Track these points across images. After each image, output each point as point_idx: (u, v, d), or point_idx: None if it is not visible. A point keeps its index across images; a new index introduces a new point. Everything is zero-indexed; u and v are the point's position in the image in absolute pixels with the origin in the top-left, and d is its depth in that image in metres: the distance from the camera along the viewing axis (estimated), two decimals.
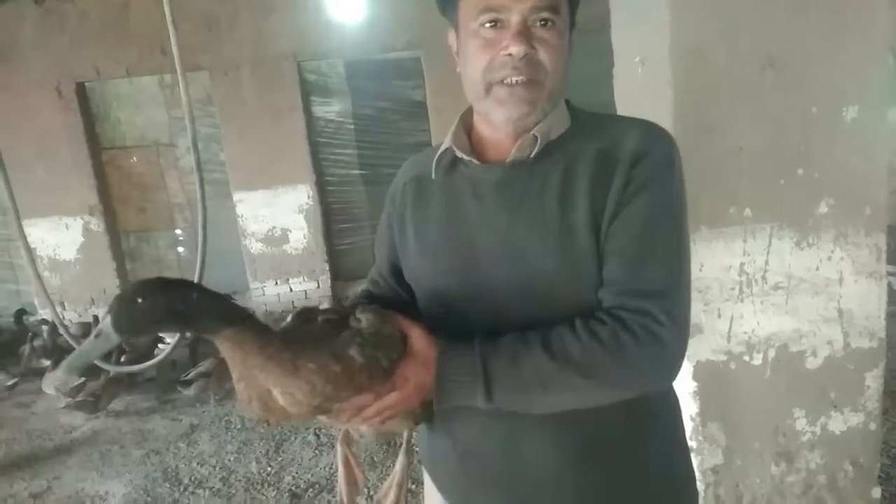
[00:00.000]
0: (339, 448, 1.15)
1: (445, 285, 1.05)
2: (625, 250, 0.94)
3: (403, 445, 1.10)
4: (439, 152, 1.08)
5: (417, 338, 0.96)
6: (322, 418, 0.95)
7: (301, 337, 0.90)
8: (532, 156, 1.00)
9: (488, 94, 0.99)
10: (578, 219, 0.95)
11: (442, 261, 1.06)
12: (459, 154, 1.05)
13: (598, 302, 0.97)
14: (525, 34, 0.93)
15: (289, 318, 0.98)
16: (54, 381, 4.41)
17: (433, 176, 1.10)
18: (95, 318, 6.24)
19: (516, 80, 0.95)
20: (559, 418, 0.97)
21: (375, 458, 3.48)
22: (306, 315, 0.99)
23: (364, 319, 0.96)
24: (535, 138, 0.99)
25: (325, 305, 1.10)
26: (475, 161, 1.04)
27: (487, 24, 0.95)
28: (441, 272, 1.06)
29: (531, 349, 0.92)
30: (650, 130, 1.00)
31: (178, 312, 0.79)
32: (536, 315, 0.98)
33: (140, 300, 0.77)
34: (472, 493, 1.10)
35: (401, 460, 1.10)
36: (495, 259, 1.00)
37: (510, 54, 0.94)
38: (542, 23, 0.94)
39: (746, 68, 1.48)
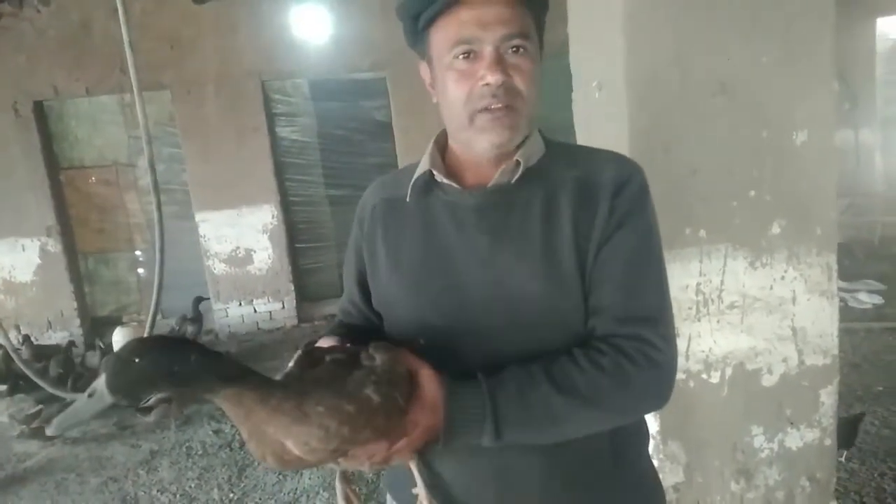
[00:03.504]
0: (338, 486, 1.12)
1: (425, 315, 1.03)
2: (616, 277, 0.96)
3: (418, 477, 1.06)
4: (417, 174, 1.06)
5: (426, 379, 0.93)
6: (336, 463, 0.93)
7: (307, 382, 0.86)
8: (514, 181, 1.00)
9: (471, 124, 0.99)
10: (561, 242, 0.96)
11: (422, 288, 1.04)
12: (439, 178, 1.04)
13: (588, 328, 0.98)
14: (499, 63, 0.94)
15: (292, 362, 0.93)
16: (19, 415, 4.25)
17: (408, 198, 1.07)
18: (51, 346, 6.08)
19: (497, 107, 0.95)
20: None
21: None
22: (311, 357, 0.94)
23: (378, 358, 0.93)
24: (518, 163, 0.99)
25: (327, 342, 1.07)
26: (454, 185, 1.03)
27: (461, 56, 0.95)
28: (421, 300, 1.04)
29: (537, 385, 0.92)
30: (623, 161, 1.03)
31: (175, 374, 0.75)
32: (523, 341, 0.98)
33: (137, 360, 0.74)
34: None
35: (422, 493, 1.07)
36: (478, 285, 0.99)
37: (488, 84, 0.94)
38: (514, 49, 0.94)
39: (699, 94, 1.52)
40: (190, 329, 5.71)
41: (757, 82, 1.53)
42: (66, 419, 0.78)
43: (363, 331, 1.17)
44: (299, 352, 0.95)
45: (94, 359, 5.05)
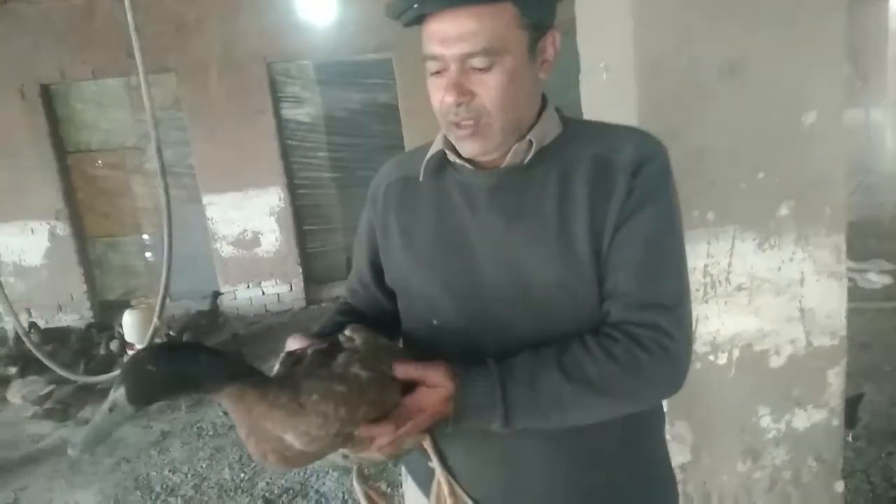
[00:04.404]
0: (357, 487, 1.13)
1: (438, 295, 1.03)
2: (632, 262, 0.94)
3: (433, 456, 1.07)
4: (429, 154, 1.06)
5: (434, 373, 0.93)
6: (338, 456, 0.94)
7: (297, 376, 0.88)
8: (526, 161, 0.99)
9: (448, 132, 0.99)
10: (577, 224, 0.95)
11: (435, 270, 1.04)
12: (452, 158, 1.03)
13: (602, 313, 0.97)
14: (457, 84, 0.92)
15: (277, 366, 0.94)
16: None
17: (421, 178, 1.07)
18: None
19: (463, 124, 0.95)
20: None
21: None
22: (294, 356, 0.95)
23: (357, 337, 0.95)
24: (530, 143, 0.98)
25: (302, 342, 1.09)
26: (467, 166, 1.02)
27: (434, 71, 0.95)
28: (433, 281, 1.04)
29: (548, 373, 0.92)
30: (645, 139, 1.00)
31: (189, 376, 0.77)
32: (536, 323, 0.98)
33: (152, 368, 0.75)
34: (469, 490, 1.09)
35: (438, 471, 1.07)
36: (491, 267, 0.99)
37: (448, 102, 0.94)
38: (480, 67, 0.91)
39: (707, 75, 1.51)
40: (203, 323, 5.74)
41: (766, 63, 1.52)
42: (90, 437, 0.77)
43: (370, 313, 1.18)
44: (283, 354, 0.96)
45: (114, 345, 5.09)
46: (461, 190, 1.03)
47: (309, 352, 0.94)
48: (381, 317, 1.17)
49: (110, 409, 0.74)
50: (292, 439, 0.83)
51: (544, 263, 0.96)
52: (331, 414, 0.83)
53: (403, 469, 1.22)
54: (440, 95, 0.95)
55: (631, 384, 0.94)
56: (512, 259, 0.98)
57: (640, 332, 0.93)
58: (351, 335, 0.96)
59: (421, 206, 1.07)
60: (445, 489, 1.07)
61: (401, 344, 1.15)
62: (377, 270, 1.17)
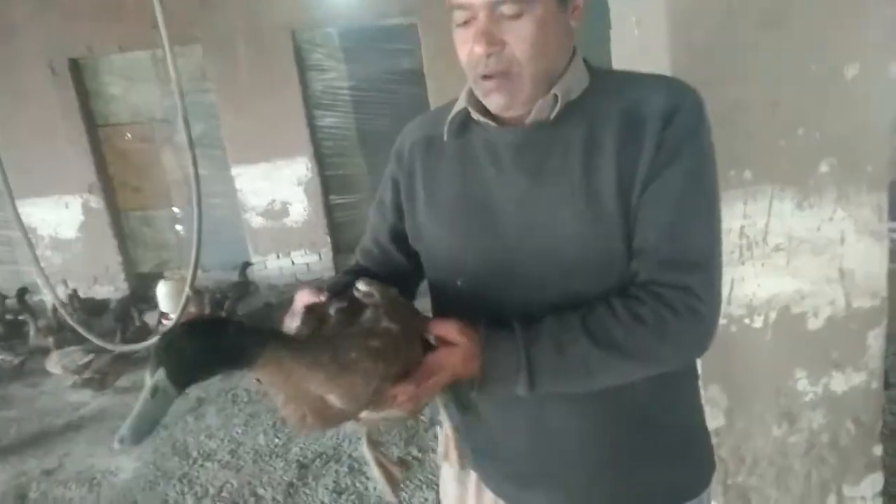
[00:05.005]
0: (367, 453, 1.14)
1: (462, 255, 1.02)
2: (662, 220, 0.91)
3: (441, 410, 1.08)
4: (453, 112, 1.03)
5: (457, 333, 0.92)
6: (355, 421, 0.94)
7: (330, 335, 0.87)
8: (552, 117, 0.95)
9: (476, 85, 0.96)
10: (604, 181, 0.92)
11: (458, 229, 1.02)
12: (475, 115, 1.00)
13: (630, 271, 0.94)
14: (487, 33, 0.88)
15: (298, 323, 0.92)
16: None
17: (445, 137, 1.05)
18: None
19: (491, 76, 0.92)
20: None
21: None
22: (315, 314, 0.93)
23: (374, 291, 0.94)
24: (556, 98, 0.94)
25: (313, 296, 1.08)
26: (491, 123, 0.99)
27: (461, 22, 0.91)
28: (456, 242, 1.03)
29: (574, 336, 0.90)
30: (675, 86, 0.96)
31: (223, 350, 0.75)
32: (562, 283, 0.96)
33: (188, 347, 0.73)
34: (495, 456, 1.10)
35: (446, 425, 1.09)
36: (516, 226, 0.97)
37: (477, 53, 0.90)
38: (510, 15, 0.88)
39: (743, 26, 1.44)
40: (231, 295, 5.81)
41: (805, 11, 1.45)
42: (138, 427, 0.70)
43: (382, 274, 1.15)
44: (301, 312, 0.94)
45: (150, 316, 5.19)
46: (485, 148, 1.01)
47: (332, 310, 0.93)
48: (392, 278, 1.15)
49: (153, 395, 0.70)
50: (335, 399, 0.83)
51: (569, 222, 0.94)
52: (371, 370, 0.83)
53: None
54: (468, 47, 0.92)
55: (658, 346, 0.91)
56: (536, 218, 0.96)
57: (667, 292, 0.90)
58: (367, 289, 0.95)
59: (445, 167, 1.05)
60: (452, 443, 1.09)
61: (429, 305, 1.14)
62: (396, 230, 1.15)
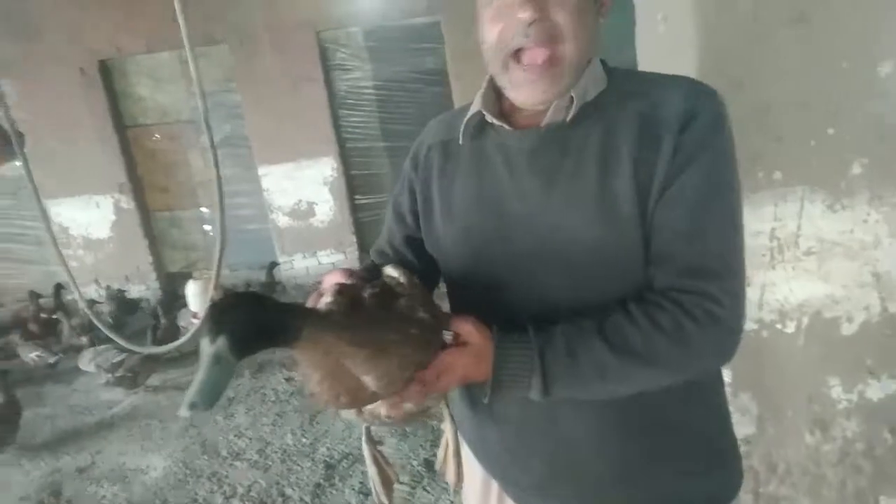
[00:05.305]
0: (365, 448, 1.14)
1: (478, 260, 1.01)
2: (680, 225, 0.89)
3: (446, 415, 1.08)
4: (468, 116, 1.02)
5: (471, 333, 0.92)
6: (352, 413, 0.93)
7: (367, 317, 0.87)
8: (568, 119, 0.93)
9: (505, 72, 0.94)
10: (620, 186, 0.90)
11: (473, 234, 1.01)
12: (490, 119, 0.99)
13: (647, 278, 0.92)
14: None
15: (330, 299, 0.88)
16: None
17: (461, 141, 1.04)
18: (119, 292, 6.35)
19: (530, 62, 0.89)
20: None
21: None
22: (347, 295, 0.91)
23: (403, 277, 0.96)
24: (572, 99, 0.92)
25: (343, 276, 1.07)
26: (506, 127, 0.98)
27: None
28: (472, 246, 1.02)
29: (589, 343, 0.88)
30: (694, 89, 0.93)
31: (272, 322, 0.73)
32: (577, 289, 0.94)
33: (245, 317, 0.71)
34: (512, 465, 1.08)
35: (449, 429, 1.09)
36: (529, 231, 0.96)
37: (521, 18, 0.87)
38: None
39: (773, 23, 1.40)
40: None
41: (837, 8, 1.40)
42: (208, 392, 0.68)
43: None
44: (334, 292, 0.91)
45: (182, 316, 5.25)
46: (500, 152, 0.99)
47: (366, 293, 0.92)
48: None
49: (215, 363, 0.69)
50: (370, 381, 0.82)
51: (584, 227, 0.92)
52: (410, 356, 0.83)
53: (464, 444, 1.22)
54: (504, 21, 0.89)
55: (677, 355, 0.89)
56: (551, 223, 0.94)
57: (686, 299, 0.88)
58: (396, 275, 0.96)
59: (461, 171, 1.04)
60: (451, 448, 1.09)
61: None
62: (411, 235, 1.15)
